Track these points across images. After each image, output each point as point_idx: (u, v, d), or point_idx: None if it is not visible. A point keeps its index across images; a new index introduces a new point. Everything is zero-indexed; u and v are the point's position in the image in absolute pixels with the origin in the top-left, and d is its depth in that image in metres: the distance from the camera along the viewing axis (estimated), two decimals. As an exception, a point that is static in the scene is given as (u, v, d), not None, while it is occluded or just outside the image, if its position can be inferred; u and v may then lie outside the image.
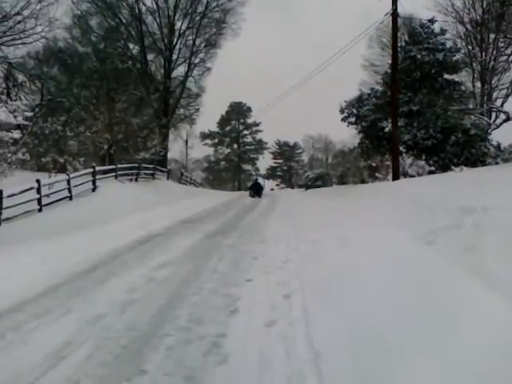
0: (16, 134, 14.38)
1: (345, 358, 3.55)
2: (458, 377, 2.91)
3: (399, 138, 18.37)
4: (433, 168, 19.25)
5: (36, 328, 4.67)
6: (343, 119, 22.65)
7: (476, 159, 18.88)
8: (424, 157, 19.84)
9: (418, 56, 20.48)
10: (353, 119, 22.46)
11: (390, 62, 20.41)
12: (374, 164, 23.94)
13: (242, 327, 4.58)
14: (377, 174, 25.07)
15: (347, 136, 34.72)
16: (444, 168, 18.44)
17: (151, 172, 26.61)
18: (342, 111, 22.49)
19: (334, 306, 4.72)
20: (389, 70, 20.87)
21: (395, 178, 16.93)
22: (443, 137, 19.18)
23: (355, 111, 22.13)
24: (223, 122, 71.90)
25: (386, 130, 19.55)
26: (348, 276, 5.56)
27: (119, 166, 22.80)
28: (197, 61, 35.64)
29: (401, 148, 19.15)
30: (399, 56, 19.17)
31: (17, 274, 6.85)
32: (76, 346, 4.17)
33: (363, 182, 22.91)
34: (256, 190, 29.22)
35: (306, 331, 4.26)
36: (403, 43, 22.40)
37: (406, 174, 18.92)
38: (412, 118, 19.99)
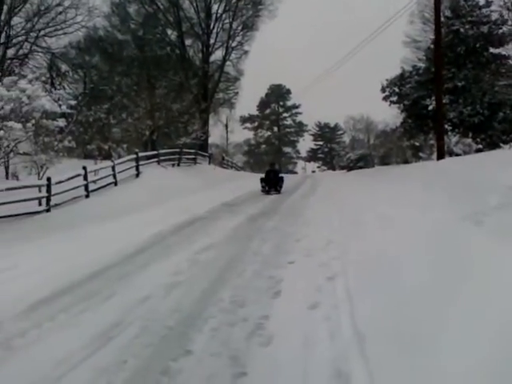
0: (61, 123, 14.74)
1: (390, 341, 3.48)
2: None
3: (444, 115, 17.78)
4: (480, 146, 18.60)
5: (84, 310, 4.82)
6: (385, 98, 22.09)
7: (526, 136, 18.15)
8: (471, 134, 19.17)
9: (462, 30, 19.69)
10: (395, 98, 21.87)
11: (432, 37, 19.72)
12: (417, 143, 23.34)
13: (285, 309, 4.56)
14: (420, 154, 24.44)
15: (389, 116, 33.87)
16: (492, 146, 17.80)
17: (193, 157, 26.87)
18: (383, 90, 21.93)
19: (378, 288, 4.63)
20: (432, 46, 20.17)
21: (440, 157, 16.41)
22: (490, 113, 18.46)
23: (397, 90, 21.52)
24: (263, 105, 71.66)
25: (430, 107, 18.96)
26: (393, 258, 5.44)
27: (161, 151, 23.15)
28: (234, 44, 35.50)
29: (446, 126, 18.54)
30: (442, 31, 18.47)
31: (67, 258, 7.08)
32: (123, 328, 4.27)
33: (406, 162, 22.41)
34: (273, 181, 18.14)
35: (350, 314, 4.20)
36: (445, 18, 21.56)
37: (451, 153, 18.33)
38: (457, 94, 19.32)
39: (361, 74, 70.71)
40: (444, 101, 17.87)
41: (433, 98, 18.38)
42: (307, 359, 3.47)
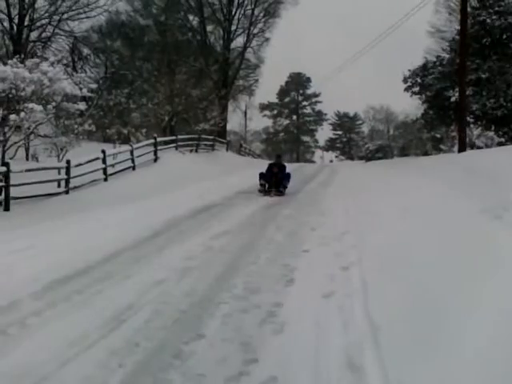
0: (82, 106, 14.82)
1: (405, 332, 3.44)
2: None
3: (467, 107, 17.45)
4: (502, 139, 18.24)
5: (99, 292, 4.85)
6: (406, 89, 21.76)
7: (551, 130, 17.76)
8: (493, 127, 18.81)
9: (488, 20, 19.18)
10: (417, 89, 21.54)
11: (457, 27, 19.30)
12: (438, 135, 23.02)
13: (298, 297, 4.54)
14: (441, 146, 24.11)
15: (410, 106, 33.42)
16: (515, 140, 17.46)
17: (211, 143, 26.83)
18: (405, 80, 21.59)
19: (394, 279, 4.58)
20: (457, 36, 19.75)
21: (461, 149, 16.15)
22: (515, 106, 18.07)
23: (419, 80, 21.18)
24: (282, 93, 71.31)
25: (453, 99, 18.63)
26: (409, 249, 5.38)
27: (180, 137, 23.17)
28: (256, 31, 35.24)
29: (468, 118, 18.21)
30: (467, 21, 18.03)
31: (83, 240, 7.14)
32: (136, 310, 4.29)
33: (426, 154, 22.10)
34: (276, 179, 13.61)
35: (364, 304, 4.16)
36: (472, 8, 21.04)
37: (473, 146, 18.04)
38: (481, 86, 18.91)
39: (382, 63, 70.02)
40: (467, 92, 17.53)
41: (456, 89, 18.04)
42: (319, 348, 3.44)
